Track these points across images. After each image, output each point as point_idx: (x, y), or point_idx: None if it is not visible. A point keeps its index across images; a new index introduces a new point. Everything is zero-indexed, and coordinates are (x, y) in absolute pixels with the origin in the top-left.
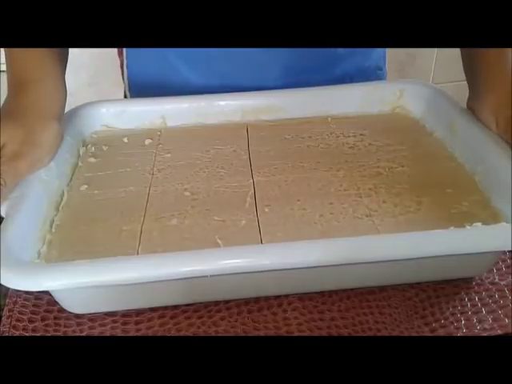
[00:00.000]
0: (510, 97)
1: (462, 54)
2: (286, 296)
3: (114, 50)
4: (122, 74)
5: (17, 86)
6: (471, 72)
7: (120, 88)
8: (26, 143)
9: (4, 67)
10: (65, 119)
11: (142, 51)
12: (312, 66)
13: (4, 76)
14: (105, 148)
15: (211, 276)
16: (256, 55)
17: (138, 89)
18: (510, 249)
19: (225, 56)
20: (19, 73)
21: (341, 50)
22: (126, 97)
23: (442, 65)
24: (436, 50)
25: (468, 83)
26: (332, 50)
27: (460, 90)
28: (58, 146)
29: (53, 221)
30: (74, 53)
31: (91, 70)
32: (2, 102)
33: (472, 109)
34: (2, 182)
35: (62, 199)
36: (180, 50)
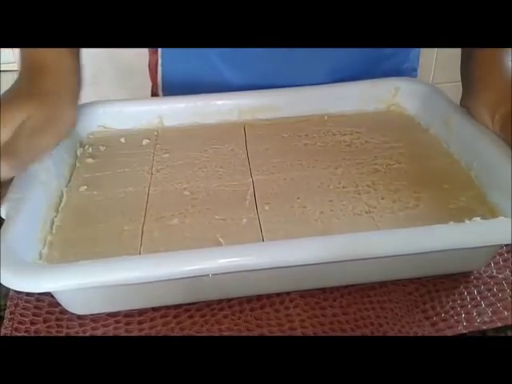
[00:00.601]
0: (505, 95)
1: (461, 54)
2: (288, 293)
3: (114, 50)
4: (154, 73)
5: (33, 69)
6: (466, 70)
7: (120, 88)
8: (48, 118)
9: (4, 67)
10: None
11: (179, 50)
12: (354, 67)
13: (4, 76)
14: (102, 148)
15: (213, 275)
16: (298, 55)
17: (173, 88)
18: (509, 242)
19: (267, 55)
20: (35, 56)
21: (386, 50)
22: (154, 95)
23: (442, 65)
24: (436, 49)
25: (462, 82)
26: (377, 50)
27: (460, 89)
28: (74, 126)
29: (53, 222)
30: None
31: (91, 70)
32: None
33: (466, 107)
34: (19, 160)
35: (61, 200)
36: (221, 49)
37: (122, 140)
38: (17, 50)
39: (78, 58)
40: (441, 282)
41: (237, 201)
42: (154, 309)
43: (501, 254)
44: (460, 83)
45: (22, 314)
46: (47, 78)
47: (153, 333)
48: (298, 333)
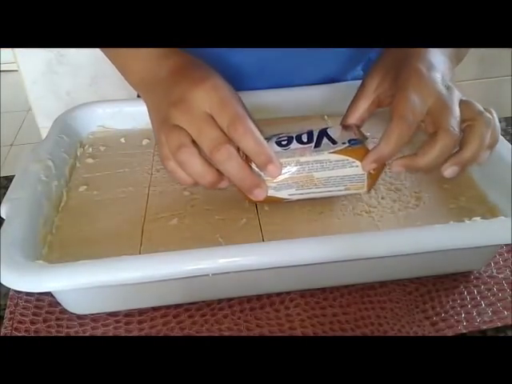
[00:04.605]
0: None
1: None
2: (288, 293)
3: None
4: None
5: (161, 57)
6: None
7: (120, 88)
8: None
9: (4, 67)
10: (61, 120)
11: (193, 50)
12: (353, 65)
13: (4, 76)
14: (102, 149)
15: (213, 274)
16: (305, 53)
17: None
18: (509, 242)
19: (278, 57)
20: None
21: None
22: None
23: None
24: None
25: None
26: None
27: (460, 89)
28: None
29: (53, 222)
30: (74, 53)
31: (91, 70)
32: (1, 102)
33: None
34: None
35: (61, 200)
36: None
37: (122, 140)
38: (17, 50)
39: None
40: (441, 282)
41: (236, 201)
42: (154, 308)
43: (501, 254)
44: (460, 83)
45: (22, 314)
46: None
47: (153, 333)
48: (298, 333)
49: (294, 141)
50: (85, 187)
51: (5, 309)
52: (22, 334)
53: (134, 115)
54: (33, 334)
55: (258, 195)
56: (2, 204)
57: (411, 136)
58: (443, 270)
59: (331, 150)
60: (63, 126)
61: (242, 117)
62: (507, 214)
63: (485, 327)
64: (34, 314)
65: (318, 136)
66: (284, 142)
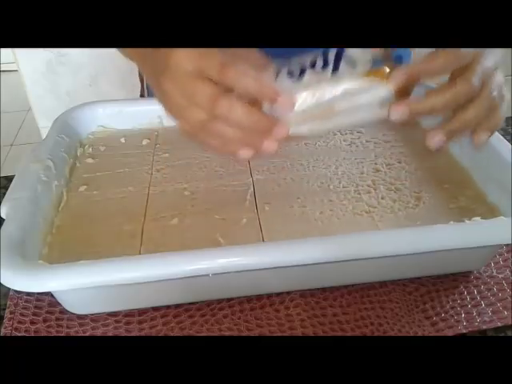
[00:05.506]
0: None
1: None
2: (288, 293)
3: (115, 50)
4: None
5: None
6: None
7: (120, 88)
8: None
9: (4, 67)
10: (61, 120)
11: None
12: None
13: (4, 76)
14: (102, 148)
15: (213, 275)
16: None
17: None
18: (509, 242)
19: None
20: None
21: None
22: (142, 96)
23: None
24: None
25: None
26: None
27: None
28: None
29: (53, 222)
30: (74, 53)
31: (91, 70)
32: (1, 102)
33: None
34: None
35: (61, 200)
36: None
37: (122, 140)
38: (17, 50)
39: None
40: (441, 282)
41: (237, 201)
42: (154, 308)
43: (501, 254)
44: None
45: (22, 314)
46: None
47: (153, 333)
48: (298, 333)
49: (308, 69)
50: (85, 187)
51: (5, 309)
52: (22, 333)
53: (133, 115)
54: (33, 334)
55: (279, 133)
56: (2, 204)
57: (462, 100)
58: (443, 270)
59: (352, 75)
60: (63, 126)
61: (228, 62)
62: (507, 214)
63: (485, 327)
64: (34, 314)
65: (335, 60)
66: (297, 73)
